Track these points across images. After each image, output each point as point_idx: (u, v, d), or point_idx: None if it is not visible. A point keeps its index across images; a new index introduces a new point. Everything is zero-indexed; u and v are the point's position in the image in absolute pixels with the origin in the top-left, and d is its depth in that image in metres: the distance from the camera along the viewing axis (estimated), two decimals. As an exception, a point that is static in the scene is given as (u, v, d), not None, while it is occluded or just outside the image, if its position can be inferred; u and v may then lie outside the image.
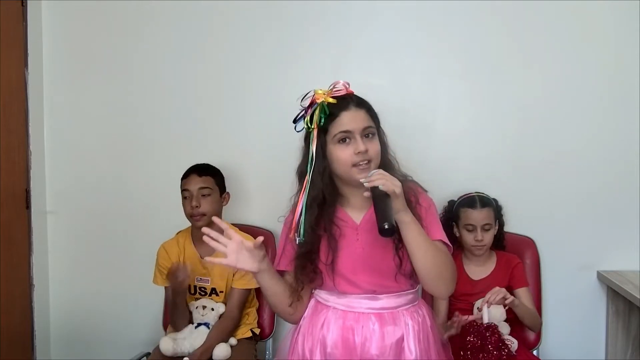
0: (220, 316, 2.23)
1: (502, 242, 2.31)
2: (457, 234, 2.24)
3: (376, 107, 1.67)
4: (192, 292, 2.27)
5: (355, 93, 1.68)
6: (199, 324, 2.20)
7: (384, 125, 1.69)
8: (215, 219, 1.70)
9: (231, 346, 2.19)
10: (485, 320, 1.97)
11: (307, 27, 2.47)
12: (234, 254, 1.59)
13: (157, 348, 2.21)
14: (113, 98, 2.59)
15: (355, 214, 1.68)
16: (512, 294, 2.11)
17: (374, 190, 1.51)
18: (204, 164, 2.29)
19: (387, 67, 2.45)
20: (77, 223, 2.65)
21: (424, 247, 1.55)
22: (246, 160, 2.52)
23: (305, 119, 1.64)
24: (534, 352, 2.31)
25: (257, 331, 2.36)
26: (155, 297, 2.44)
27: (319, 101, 1.62)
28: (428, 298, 2.17)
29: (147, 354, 2.36)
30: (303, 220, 1.64)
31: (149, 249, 2.35)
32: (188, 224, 2.28)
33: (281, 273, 1.72)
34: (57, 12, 2.59)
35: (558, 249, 2.41)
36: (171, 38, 2.54)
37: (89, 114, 2.61)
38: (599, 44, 2.38)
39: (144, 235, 2.54)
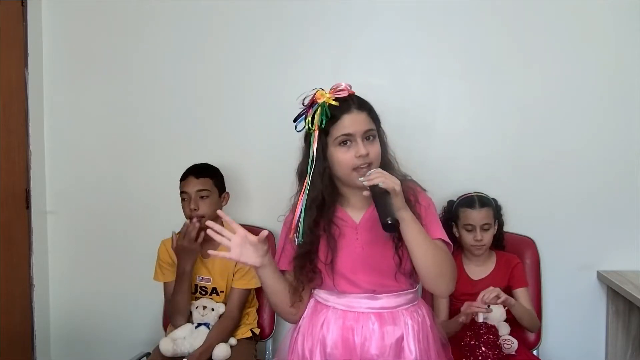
0: (220, 316, 2.23)
1: (501, 242, 2.31)
2: (457, 234, 2.25)
3: (376, 107, 1.67)
4: (193, 291, 2.27)
5: (356, 93, 1.68)
6: (199, 324, 2.20)
7: (384, 125, 1.69)
8: (219, 212, 1.69)
9: (231, 346, 2.19)
10: (480, 319, 1.99)
11: (307, 27, 2.48)
12: (237, 247, 1.59)
13: (157, 348, 2.21)
14: (113, 98, 2.59)
15: (355, 213, 1.68)
16: (511, 294, 2.12)
17: (374, 188, 1.51)
18: (202, 165, 2.28)
19: (387, 67, 2.45)
20: (77, 223, 2.65)
21: (424, 246, 1.56)
22: (246, 160, 2.52)
23: (307, 119, 1.64)
24: (534, 352, 2.31)
25: (257, 331, 2.36)
26: (155, 297, 2.44)
27: (320, 101, 1.62)
28: (428, 298, 2.17)
29: (147, 354, 2.36)
30: (302, 221, 1.64)
31: (148, 249, 2.35)
32: (188, 224, 2.28)
33: (281, 273, 1.72)
34: (57, 12, 2.59)
35: (558, 249, 2.41)
36: (171, 38, 2.54)
37: (89, 114, 2.62)
38: (599, 44, 2.39)
39: (144, 235, 2.54)
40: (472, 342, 1.99)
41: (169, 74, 2.55)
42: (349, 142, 1.60)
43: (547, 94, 2.41)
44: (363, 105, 1.64)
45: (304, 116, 1.66)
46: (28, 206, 2.55)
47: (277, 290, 1.67)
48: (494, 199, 2.29)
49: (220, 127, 2.54)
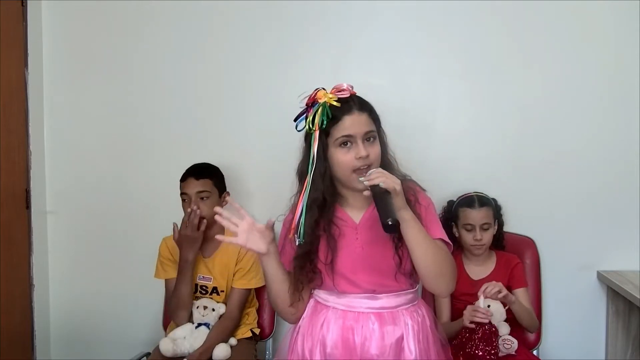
0: (221, 316, 2.23)
1: (501, 242, 2.31)
2: (457, 234, 2.25)
3: (376, 107, 1.67)
4: (194, 290, 2.27)
5: (356, 93, 1.68)
6: (199, 324, 2.20)
7: (384, 125, 1.68)
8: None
9: (231, 346, 2.19)
10: (481, 304, 1.99)
11: (307, 27, 2.48)
12: (244, 233, 1.60)
13: (157, 348, 2.20)
14: (113, 98, 2.59)
15: (355, 213, 1.68)
16: (511, 294, 2.12)
17: (374, 188, 1.51)
18: (201, 165, 2.27)
19: (387, 67, 2.45)
20: (77, 223, 2.65)
21: (425, 245, 1.56)
22: (246, 160, 2.52)
23: (307, 119, 1.64)
24: (534, 352, 2.31)
25: (257, 331, 2.36)
26: (155, 297, 2.44)
27: (321, 101, 1.62)
28: (428, 298, 2.17)
29: (147, 354, 2.36)
30: (303, 222, 1.64)
31: (149, 249, 2.35)
32: (188, 224, 2.28)
33: None
34: (57, 12, 2.59)
35: (558, 249, 2.41)
36: (171, 38, 2.54)
37: (89, 114, 2.61)
38: (599, 44, 2.39)
39: (144, 235, 2.54)
40: (466, 336, 1.99)
41: (169, 74, 2.55)
42: (349, 143, 1.60)
43: (547, 94, 2.42)
44: (364, 106, 1.64)
45: (304, 116, 1.66)
46: (28, 206, 2.55)
47: (280, 280, 1.67)
48: (493, 199, 2.29)
49: (220, 127, 2.54)
